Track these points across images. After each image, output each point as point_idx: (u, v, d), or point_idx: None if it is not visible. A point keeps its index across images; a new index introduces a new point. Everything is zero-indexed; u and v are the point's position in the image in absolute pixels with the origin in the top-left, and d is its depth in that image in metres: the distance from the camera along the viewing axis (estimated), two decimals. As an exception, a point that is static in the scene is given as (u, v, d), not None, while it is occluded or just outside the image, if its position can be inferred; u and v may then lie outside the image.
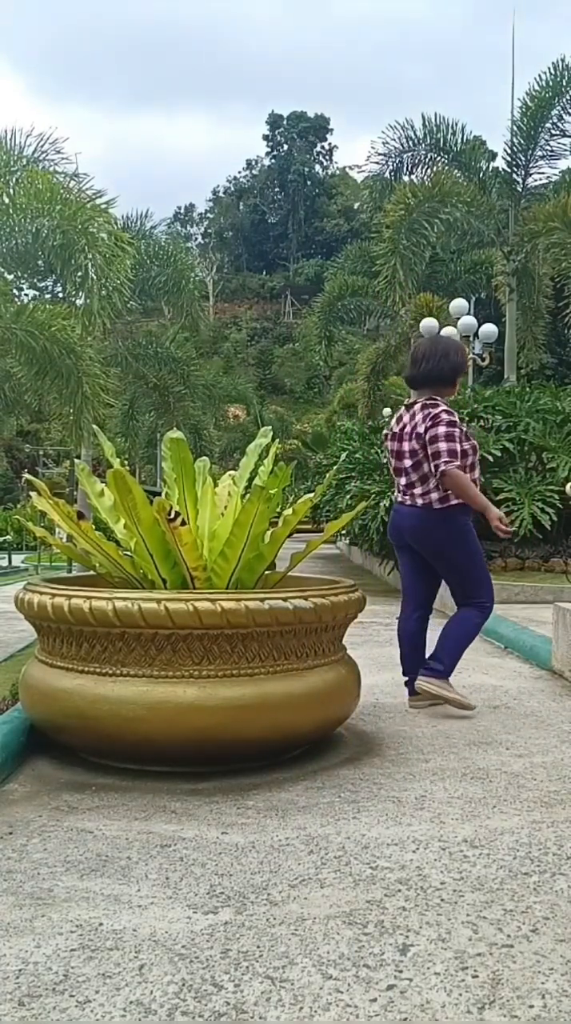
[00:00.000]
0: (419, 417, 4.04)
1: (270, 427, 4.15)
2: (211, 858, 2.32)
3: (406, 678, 4.22)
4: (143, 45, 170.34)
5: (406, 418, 4.14)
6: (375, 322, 27.06)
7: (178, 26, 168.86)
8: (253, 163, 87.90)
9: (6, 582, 11.56)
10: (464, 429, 4.08)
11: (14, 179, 13.21)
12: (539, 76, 17.07)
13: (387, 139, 18.03)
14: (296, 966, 1.75)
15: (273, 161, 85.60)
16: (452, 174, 17.85)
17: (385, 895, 2.09)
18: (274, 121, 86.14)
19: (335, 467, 8.33)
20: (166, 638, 2.92)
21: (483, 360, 18.14)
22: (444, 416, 3.99)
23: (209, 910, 2.01)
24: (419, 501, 4.05)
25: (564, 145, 17.80)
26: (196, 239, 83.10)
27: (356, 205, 68.94)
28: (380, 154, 18.45)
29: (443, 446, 3.93)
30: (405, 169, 18.72)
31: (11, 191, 13.00)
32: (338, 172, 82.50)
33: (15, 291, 17.60)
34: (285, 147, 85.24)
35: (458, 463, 3.94)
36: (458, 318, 16.52)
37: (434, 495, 4.02)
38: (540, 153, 17.86)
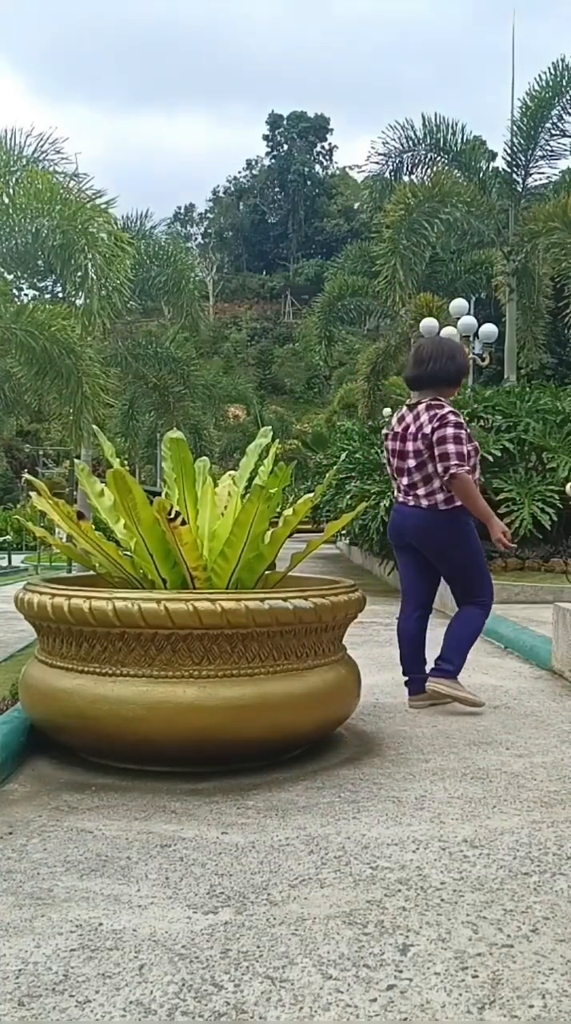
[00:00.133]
0: (424, 418, 4.03)
1: (270, 427, 4.14)
2: (211, 858, 2.32)
3: (406, 678, 4.22)
4: (143, 45, 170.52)
5: (409, 418, 4.13)
6: (375, 322, 27.07)
7: (178, 26, 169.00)
8: (253, 163, 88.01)
9: (6, 582, 11.56)
10: (467, 430, 4.08)
11: (14, 179, 13.21)
12: (539, 76, 17.09)
13: (387, 139, 18.06)
14: (296, 966, 1.75)
15: (273, 161, 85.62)
16: (452, 174, 17.86)
17: (385, 895, 2.09)
18: (274, 121, 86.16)
19: (335, 467, 8.31)
20: (166, 638, 2.91)
21: (483, 360, 18.14)
22: (451, 417, 3.99)
23: (209, 910, 2.01)
24: (423, 502, 4.05)
25: (564, 145, 17.82)
26: (196, 239, 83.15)
27: (356, 205, 68.95)
28: (380, 154, 18.48)
29: (452, 448, 3.93)
30: (405, 169, 18.74)
31: (11, 191, 13.00)
32: (338, 172, 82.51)
33: (15, 291, 17.60)
34: (285, 147, 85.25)
35: (467, 467, 3.95)
36: (458, 318, 16.52)
37: (439, 496, 4.02)
38: (540, 153, 17.88)
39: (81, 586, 3.32)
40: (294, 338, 67.32)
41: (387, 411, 20.68)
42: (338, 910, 2.00)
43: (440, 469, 3.96)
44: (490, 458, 8.92)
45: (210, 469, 3.85)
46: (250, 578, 3.38)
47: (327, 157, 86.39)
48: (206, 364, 33.92)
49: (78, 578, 4.23)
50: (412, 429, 4.08)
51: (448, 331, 15.04)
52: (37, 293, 21.14)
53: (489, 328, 17.41)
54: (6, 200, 13.00)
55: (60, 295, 18.26)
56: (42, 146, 13.77)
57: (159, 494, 3.63)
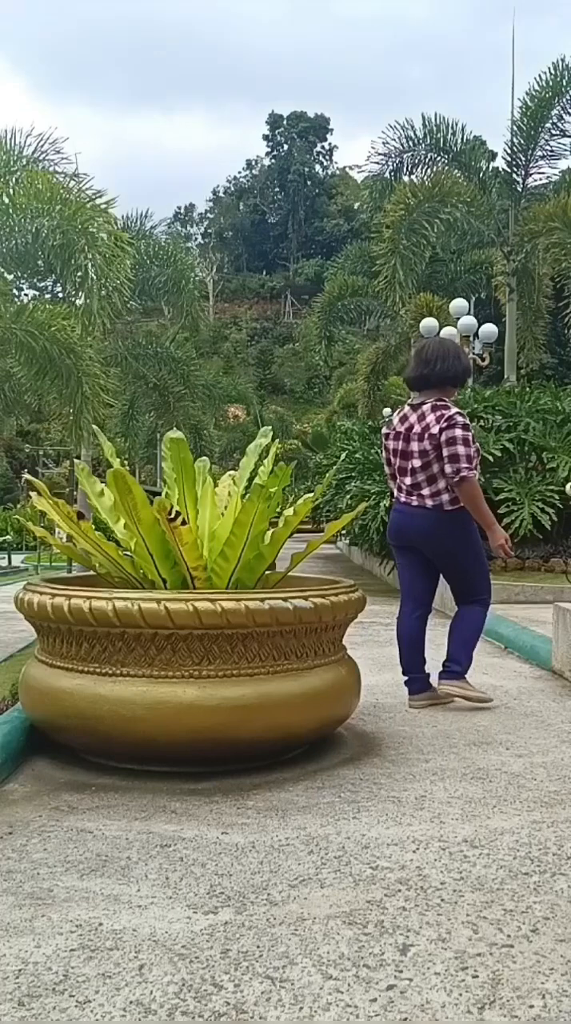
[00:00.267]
0: (431, 418, 4.03)
1: (270, 427, 4.14)
2: (211, 858, 2.32)
3: (406, 677, 4.22)
4: (143, 45, 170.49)
5: (413, 418, 4.12)
6: (375, 322, 27.04)
7: (178, 26, 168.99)
8: (253, 163, 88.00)
9: (6, 582, 11.56)
10: (472, 432, 4.10)
11: (14, 179, 13.21)
12: (539, 76, 17.09)
13: (387, 139, 18.04)
14: (296, 966, 1.75)
15: (273, 161, 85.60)
16: (452, 174, 17.85)
17: (385, 895, 2.09)
18: (274, 121, 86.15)
19: (335, 467, 8.31)
20: (166, 638, 2.91)
21: (483, 360, 18.13)
22: (459, 419, 4.00)
23: (209, 910, 2.01)
24: (428, 502, 4.05)
25: (564, 145, 17.83)
26: (196, 239, 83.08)
27: (356, 205, 68.87)
28: (380, 154, 18.46)
29: (461, 450, 3.94)
30: (405, 169, 18.72)
31: (11, 191, 13.00)
32: (338, 172, 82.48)
33: (15, 291, 17.61)
34: (285, 147, 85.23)
35: (476, 470, 3.97)
36: (458, 318, 16.51)
37: (445, 496, 4.02)
38: (540, 153, 17.87)
39: (81, 586, 3.33)
40: (294, 338, 67.32)
41: (387, 411, 20.67)
42: (338, 910, 2.00)
43: (449, 470, 3.95)
44: (490, 458, 8.92)
45: (210, 469, 3.85)
46: (250, 578, 3.38)
47: (327, 157, 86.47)
48: (206, 364, 33.93)
49: (78, 578, 4.23)
50: (417, 429, 4.07)
51: (448, 331, 15.03)
52: (37, 293, 21.18)
53: (489, 328, 17.40)
54: (6, 200, 13.01)
55: (60, 295, 18.27)
56: (42, 146, 13.79)
57: (159, 494, 3.63)
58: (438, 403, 4.06)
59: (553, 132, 17.55)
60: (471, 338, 17.01)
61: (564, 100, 17.14)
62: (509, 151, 17.92)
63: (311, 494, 3.61)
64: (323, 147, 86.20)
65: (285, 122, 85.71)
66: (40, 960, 1.77)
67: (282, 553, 3.50)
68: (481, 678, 4.80)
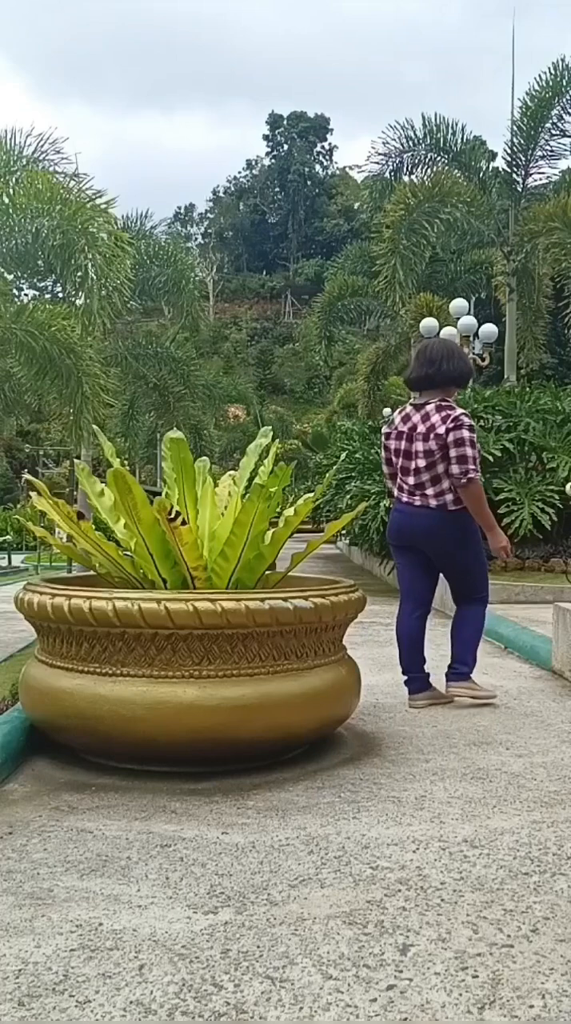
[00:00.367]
0: (436, 418, 4.03)
1: (270, 427, 4.14)
2: (211, 858, 2.32)
3: (405, 677, 4.22)
4: (143, 45, 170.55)
5: (416, 418, 4.11)
6: (375, 322, 27.04)
7: (178, 26, 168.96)
8: (253, 163, 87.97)
9: (6, 582, 11.56)
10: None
11: (14, 179, 13.22)
12: (539, 76, 17.09)
13: (387, 139, 18.05)
14: (296, 966, 1.75)
15: (273, 161, 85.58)
16: (452, 174, 17.85)
17: (385, 895, 2.09)
18: (274, 121, 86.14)
19: (335, 467, 8.31)
20: (166, 638, 2.91)
21: (483, 360, 18.12)
22: (465, 420, 4.01)
23: (209, 910, 2.01)
24: (433, 502, 4.05)
25: (564, 145, 17.83)
26: (196, 239, 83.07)
27: (356, 205, 68.87)
28: (380, 154, 18.46)
29: (470, 451, 3.96)
30: (405, 169, 18.73)
31: (11, 191, 13.00)
32: (338, 172, 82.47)
33: (15, 291, 17.61)
34: (285, 147, 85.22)
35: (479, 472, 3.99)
36: (458, 318, 16.51)
37: (449, 496, 4.03)
38: (540, 153, 17.88)
39: (81, 586, 3.33)
40: (294, 338, 67.31)
41: (387, 411, 20.67)
42: (338, 910, 2.00)
43: (458, 471, 3.96)
44: (490, 458, 8.92)
45: (210, 469, 3.85)
46: (250, 578, 3.38)
47: (327, 157, 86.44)
48: (206, 364, 33.91)
49: (78, 578, 4.23)
50: (421, 429, 4.06)
51: (448, 331, 15.03)
52: (37, 293, 21.16)
53: (489, 328, 17.39)
54: (6, 200, 13.01)
55: (60, 295, 18.26)
56: (42, 146, 13.79)
57: (159, 494, 3.63)
58: (443, 403, 4.07)
59: (553, 132, 17.56)
60: (471, 338, 17.00)
61: (564, 100, 17.14)
62: (509, 151, 17.92)
63: (311, 494, 3.61)
64: (323, 147, 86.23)
65: (285, 122, 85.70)
66: (40, 960, 1.77)
67: (282, 553, 3.50)
68: (481, 678, 4.80)
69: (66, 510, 3.49)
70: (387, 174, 19.07)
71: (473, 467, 3.96)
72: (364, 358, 26.50)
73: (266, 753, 3.14)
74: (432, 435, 4.01)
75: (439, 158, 17.98)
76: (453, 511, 4.03)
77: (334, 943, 1.84)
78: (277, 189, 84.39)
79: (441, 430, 3.99)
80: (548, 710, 4.10)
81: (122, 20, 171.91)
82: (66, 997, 1.64)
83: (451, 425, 3.98)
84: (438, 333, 14.85)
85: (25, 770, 3.12)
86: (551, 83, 16.98)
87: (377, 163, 18.87)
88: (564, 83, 16.91)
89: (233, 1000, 1.63)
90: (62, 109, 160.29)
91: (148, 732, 2.90)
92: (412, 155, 18.28)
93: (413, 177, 18.54)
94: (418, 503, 4.09)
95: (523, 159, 17.90)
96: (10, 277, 15.73)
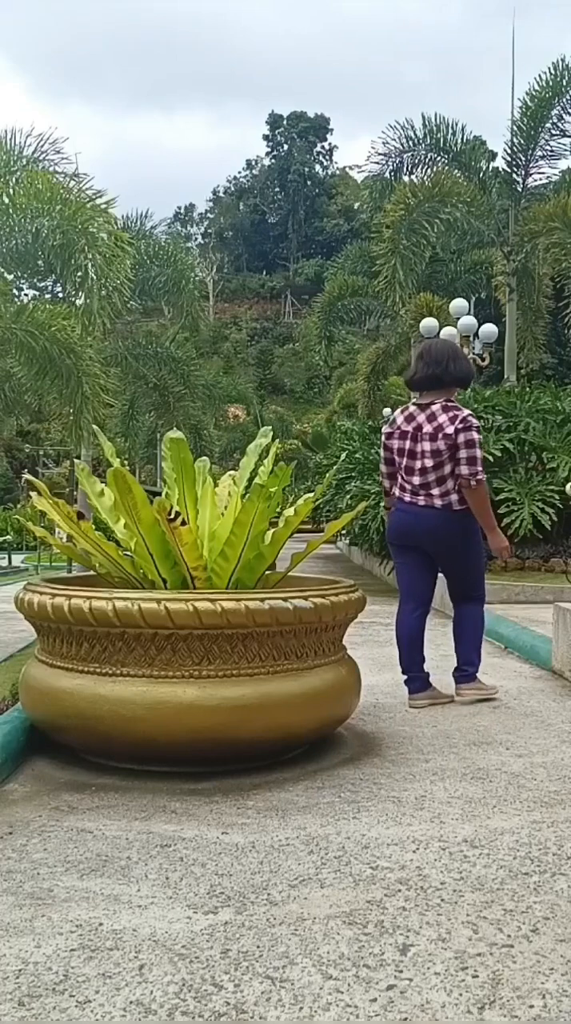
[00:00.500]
0: (443, 418, 4.02)
1: (270, 427, 4.14)
2: (211, 858, 2.32)
3: (405, 677, 4.22)
4: (143, 45, 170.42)
5: (421, 418, 4.10)
6: (375, 322, 27.05)
7: (178, 26, 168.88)
8: (253, 163, 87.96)
9: (6, 582, 11.56)
10: None
11: (14, 179, 13.21)
12: (539, 76, 17.08)
13: (387, 139, 18.03)
14: (296, 966, 1.75)
15: (273, 161, 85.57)
16: (452, 174, 17.84)
17: (385, 895, 2.09)
18: (274, 121, 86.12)
19: (335, 467, 8.31)
20: (166, 638, 2.91)
21: (483, 360, 18.12)
22: (473, 420, 4.02)
23: (209, 910, 2.01)
24: (437, 502, 4.05)
25: (564, 145, 17.82)
26: (196, 239, 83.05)
27: (356, 205, 68.88)
28: (380, 154, 18.45)
29: (478, 453, 4.00)
30: (405, 169, 18.72)
31: (11, 191, 13.00)
32: (338, 172, 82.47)
33: (15, 291, 17.60)
34: (285, 147, 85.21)
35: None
36: (458, 318, 16.50)
37: (454, 496, 4.04)
38: (540, 153, 17.86)
39: (81, 586, 3.33)
40: (294, 338, 67.31)
41: (387, 411, 20.66)
42: (338, 910, 2.00)
43: (467, 472, 3.97)
44: (490, 458, 8.91)
45: (210, 469, 3.85)
46: (250, 578, 3.38)
47: (327, 157, 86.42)
48: (206, 364, 33.93)
49: (78, 578, 4.23)
50: (428, 429, 4.06)
51: (448, 331, 15.03)
52: (37, 293, 21.14)
53: (489, 328, 17.39)
54: (6, 200, 13.00)
55: (60, 295, 18.26)
56: (42, 146, 13.78)
57: (159, 494, 3.63)
58: (449, 403, 4.07)
59: (553, 132, 17.55)
60: (471, 338, 17.00)
61: (564, 100, 17.13)
62: (509, 151, 17.91)
63: (311, 494, 3.61)
64: (323, 147, 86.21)
65: (285, 122, 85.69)
66: (40, 960, 1.77)
67: (282, 553, 3.50)
68: (481, 678, 4.80)
69: (66, 510, 3.49)
70: (387, 174, 19.07)
71: (481, 468, 3.99)
72: (364, 358, 26.50)
73: (266, 753, 3.14)
74: (440, 435, 4.01)
75: (439, 158, 17.97)
76: (457, 511, 4.04)
77: (334, 943, 1.84)
78: (277, 189, 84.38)
79: (450, 430, 3.99)
80: (548, 710, 4.10)
81: (122, 20, 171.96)
82: (66, 997, 1.64)
83: (460, 426, 3.98)
84: (438, 333, 14.85)
85: (25, 770, 3.12)
86: (551, 83, 16.97)
87: (377, 163, 18.88)
88: (564, 83, 16.90)
89: (233, 1000, 1.63)
90: (62, 109, 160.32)
91: (148, 732, 2.91)
92: (412, 155, 18.28)
93: (413, 177, 18.55)
94: (422, 503, 4.09)
95: (523, 159, 17.89)
96: (10, 277, 15.72)
